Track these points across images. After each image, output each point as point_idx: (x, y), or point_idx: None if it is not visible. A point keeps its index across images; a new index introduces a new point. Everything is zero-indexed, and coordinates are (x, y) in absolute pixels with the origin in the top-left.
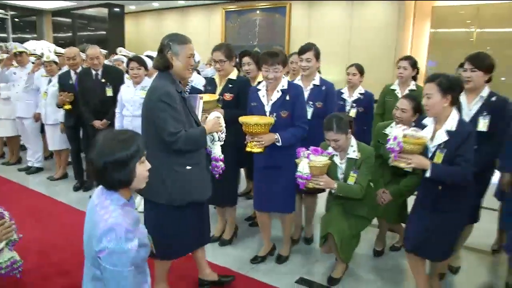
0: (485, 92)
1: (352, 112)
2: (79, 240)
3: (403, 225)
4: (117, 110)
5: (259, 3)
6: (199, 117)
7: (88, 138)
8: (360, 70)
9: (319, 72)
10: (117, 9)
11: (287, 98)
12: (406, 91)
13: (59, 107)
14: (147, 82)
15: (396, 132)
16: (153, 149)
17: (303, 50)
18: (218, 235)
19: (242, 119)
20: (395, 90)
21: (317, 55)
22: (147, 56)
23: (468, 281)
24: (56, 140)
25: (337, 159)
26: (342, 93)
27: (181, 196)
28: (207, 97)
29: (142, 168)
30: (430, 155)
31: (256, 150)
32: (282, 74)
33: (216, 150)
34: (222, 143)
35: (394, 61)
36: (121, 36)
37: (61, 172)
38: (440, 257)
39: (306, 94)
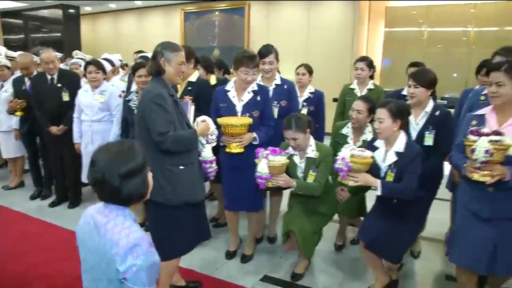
0: (429, 107)
1: (304, 111)
2: (37, 250)
3: (362, 218)
4: (75, 115)
5: (217, 4)
6: (191, 122)
7: (45, 145)
8: (309, 70)
9: (278, 72)
10: (72, 11)
11: (258, 98)
12: (365, 90)
13: (10, 114)
14: (105, 86)
15: (343, 153)
16: (148, 150)
17: (265, 53)
18: None
19: (221, 120)
20: (355, 89)
21: (277, 56)
22: (105, 59)
23: (424, 269)
24: (11, 148)
25: (296, 159)
26: None
27: (176, 196)
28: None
29: (150, 176)
30: (382, 175)
31: (237, 150)
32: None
33: (206, 153)
34: (214, 145)
35: (351, 60)
36: (76, 38)
37: (17, 181)
38: (390, 258)
39: (269, 94)
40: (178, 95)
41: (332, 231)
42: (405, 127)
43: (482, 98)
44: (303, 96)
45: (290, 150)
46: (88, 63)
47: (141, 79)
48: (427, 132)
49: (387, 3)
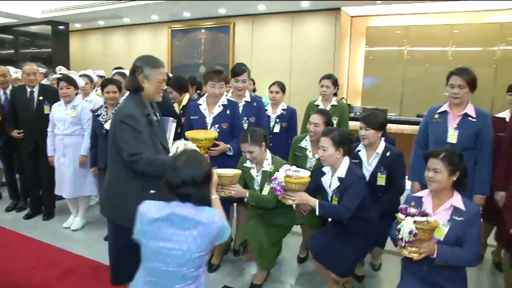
0: (380, 148)
1: (276, 128)
2: (8, 260)
3: None
4: (49, 129)
5: (204, 22)
6: (170, 141)
7: (21, 158)
8: (282, 87)
9: (254, 90)
10: (61, 27)
11: (228, 112)
12: (329, 106)
13: None
14: (78, 101)
15: (277, 174)
16: (117, 169)
17: (239, 72)
18: None
19: (189, 134)
20: (319, 105)
21: (249, 75)
22: (83, 75)
23: (383, 282)
24: None
25: (253, 172)
26: (266, 109)
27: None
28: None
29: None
30: (329, 199)
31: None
32: (225, 90)
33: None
34: None
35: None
36: (65, 54)
37: None
38: (335, 270)
39: (239, 109)
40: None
41: (296, 243)
42: (349, 153)
43: (436, 116)
44: (276, 112)
45: (248, 163)
46: (59, 79)
47: (109, 95)
48: (379, 172)
49: (368, 23)
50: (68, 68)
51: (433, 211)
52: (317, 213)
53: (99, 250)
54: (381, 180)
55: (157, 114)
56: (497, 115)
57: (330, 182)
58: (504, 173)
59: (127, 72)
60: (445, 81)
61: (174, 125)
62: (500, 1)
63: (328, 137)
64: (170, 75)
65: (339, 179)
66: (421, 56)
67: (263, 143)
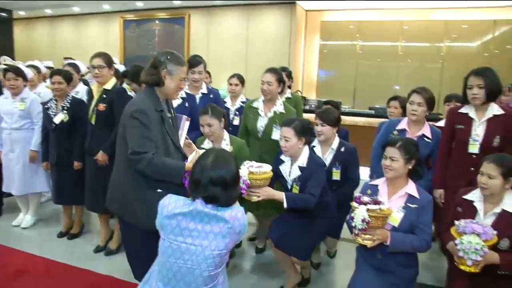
0: (335, 144)
1: (236, 120)
2: None
3: None
4: None
5: (158, 13)
6: (182, 139)
7: None
8: (241, 80)
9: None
10: (3, 14)
11: (186, 105)
12: (284, 99)
13: None
14: (26, 93)
15: (241, 172)
16: (124, 165)
17: (194, 64)
18: (103, 244)
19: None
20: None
21: (205, 67)
22: (31, 65)
23: (339, 269)
24: None
25: None
26: (225, 102)
27: (149, 221)
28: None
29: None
30: (289, 187)
31: None
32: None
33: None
34: None
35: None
36: (9, 43)
37: None
38: (296, 254)
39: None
40: (93, 103)
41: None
42: (309, 143)
43: (395, 133)
44: (235, 105)
45: (206, 144)
46: (6, 70)
47: (54, 86)
48: (334, 168)
49: (322, 17)
50: (13, 59)
51: (388, 199)
52: (285, 206)
53: (52, 248)
54: (336, 175)
55: (172, 111)
56: (436, 125)
57: (290, 170)
58: (440, 174)
59: (79, 63)
60: (396, 75)
61: (188, 123)
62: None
63: (290, 127)
64: (121, 66)
65: (300, 168)
66: (373, 50)
67: (223, 119)
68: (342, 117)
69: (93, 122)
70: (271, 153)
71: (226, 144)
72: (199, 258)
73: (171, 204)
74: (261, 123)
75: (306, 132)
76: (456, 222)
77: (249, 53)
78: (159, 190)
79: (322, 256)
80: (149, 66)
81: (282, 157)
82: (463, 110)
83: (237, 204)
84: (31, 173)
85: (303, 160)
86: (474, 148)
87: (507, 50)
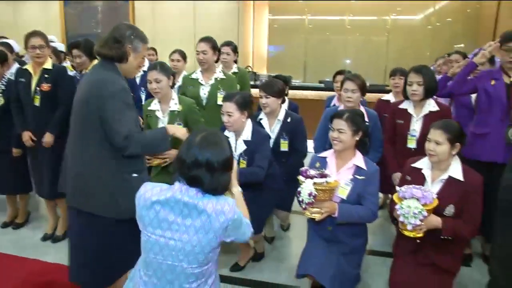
0: (281, 115)
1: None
2: None
3: None
4: None
5: None
6: None
7: None
8: (183, 56)
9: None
10: None
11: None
12: (230, 73)
13: None
14: None
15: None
16: (96, 156)
17: None
18: (51, 232)
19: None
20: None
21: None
22: None
23: (292, 241)
24: None
25: (159, 114)
26: None
27: (131, 207)
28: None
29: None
30: (236, 163)
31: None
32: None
33: None
34: None
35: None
36: None
37: None
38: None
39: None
40: (34, 83)
41: None
42: (251, 115)
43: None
44: (178, 82)
45: (153, 105)
46: None
47: None
48: (282, 138)
49: None
50: None
51: (336, 171)
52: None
53: None
54: (284, 145)
55: None
56: (383, 98)
57: (235, 146)
58: (392, 160)
59: (12, 42)
60: (344, 48)
61: None
62: None
63: (232, 101)
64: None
65: (246, 142)
66: (322, 24)
67: (172, 77)
68: (293, 91)
69: (37, 103)
70: (218, 120)
71: (175, 103)
72: (180, 254)
73: (147, 192)
74: (203, 91)
75: (247, 105)
76: (397, 188)
77: (197, 30)
78: (134, 175)
79: (276, 230)
80: (110, 39)
81: (226, 132)
82: (403, 105)
83: (227, 196)
84: None
85: (247, 134)
86: (412, 143)
87: (447, 23)
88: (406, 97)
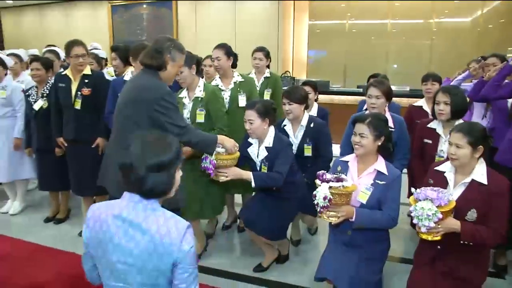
0: (304, 121)
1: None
2: None
3: None
4: None
5: None
6: None
7: None
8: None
9: None
10: None
11: None
12: (262, 79)
13: None
14: (8, 81)
15: (207, 159)
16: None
17: None
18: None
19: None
20: (253, 78)
21: None
22: (12, 54)
23: (319, 245)
24: None
25: (186, 100)
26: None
27: (180, 198)
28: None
29: (178, 175)
30: (258, 168)
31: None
32: None
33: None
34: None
35: (277, 54)
36: None
37: None
38: (266, 235)
39: None
40: (75, 87)
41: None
42: (273, 122)
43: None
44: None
45: (184, 93)
46: None
47: (32, 72)
48: (305, 144)
49: None
50: (2, 48)
51: (358, 176)
52: (253, 185)
53: (40, 233)
54: (308, 151)
55: None
56: (414, 104)
57: (258, 152)
58: (421, 177)
59: (58, 50)
60: (386, 53)
61: None
62: None
63: (253, 109)
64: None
65: (267, 148)
66: (363, 29)
67: (194, 66)
68: (331, 96)
69: (78, 107)
70: (240, 122)
71: (199, 90)
72: (129, 279)
73: (97, 210)
74: (224, 96)
75: (269, 113)
76: (413, 190)
77: (238, 36)
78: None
79: (303, 233)
80: (151, 51)
81: (250, 139)
82: (431, 125)
83: (179, 218)
84: (17, 161)
85: (269, 140)
86: None
87: (498, 25)
88: (435, 116)
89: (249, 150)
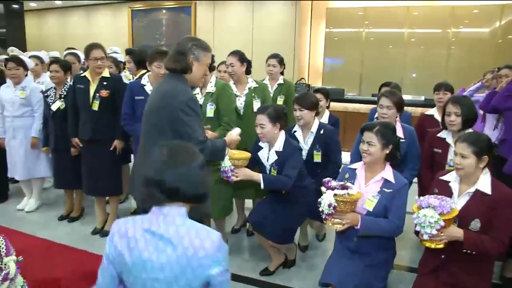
0: (314, 127)
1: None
2: None
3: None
4: None
5: (164, 2)
6: None
7: None
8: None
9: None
10: (15, 6)
11: None
12: (276, 85)
13: None
14: (27, 82)
15: (226, 163)
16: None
17: None
18: (100, 226)
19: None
20: (267, 84)
21: None
22: (33, 56)
23: (327, 251)
24: None
25: (198, 96)
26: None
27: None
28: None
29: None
30: (267, 172)
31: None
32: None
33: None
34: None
35: (293, 60)
36: (21, 35)
37: None
38: (273, 239)
39: None
40: (93, 89)
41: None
42: (285, 127)
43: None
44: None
45: (197, 89)
46: (7, 60)
47: (51, 74)
48: (315, 150)
49: (328, 4)
50: (25, 49)
51: (365, 183)
52: (262, 186)
53: (54, 231)
54: (317, 157)
55: None
56: (426, 113)
57: (268, 156)
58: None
59: (79, 53)
60: (403, 62)
61: None
62: None
63: (264, 114)
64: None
65: (277, 152)
66: (379, 37)
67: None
68: (345, 104)
69: (95, 108)
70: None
71: (211, 86)
72: None
73: (122, 228)
74: (239, 102)
75: (280, 118)
76: (416, 197)
77: (255, 42)
78: None
79: (311, 239)
80: (174, 54)
81: (261, 143)
82: (441, 134)
83: (210, 229)
84: (33, 159)
85: (279, 144)
86: None
87: None
88: (445, 127)
89: (259, 153)
